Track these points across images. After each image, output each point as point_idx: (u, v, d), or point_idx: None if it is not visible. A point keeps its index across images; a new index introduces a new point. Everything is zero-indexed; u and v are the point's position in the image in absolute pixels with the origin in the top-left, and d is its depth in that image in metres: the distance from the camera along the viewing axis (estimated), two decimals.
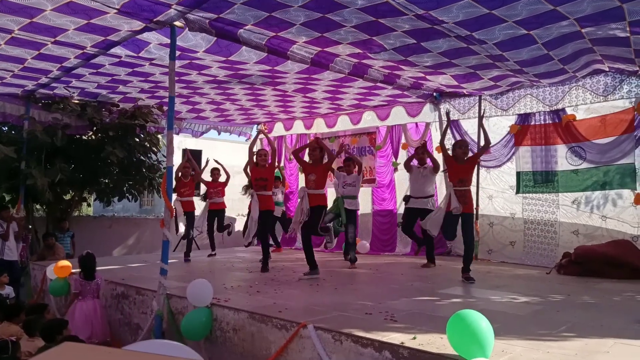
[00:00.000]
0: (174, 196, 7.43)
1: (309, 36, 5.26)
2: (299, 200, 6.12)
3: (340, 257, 7.69)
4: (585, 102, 6.85)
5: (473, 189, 6.76)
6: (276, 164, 7.65)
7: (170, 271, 4.88)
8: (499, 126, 7.79)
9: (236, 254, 8.63)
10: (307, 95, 8.13)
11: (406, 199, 7.19)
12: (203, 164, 8.62)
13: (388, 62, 6.19)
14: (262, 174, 6.56)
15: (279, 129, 10.88)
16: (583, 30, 4.77)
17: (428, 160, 6.97)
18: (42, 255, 8.08)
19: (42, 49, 5.54)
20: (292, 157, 10.57)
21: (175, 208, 6.08)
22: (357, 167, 7.12)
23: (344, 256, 7.42)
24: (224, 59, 5.85)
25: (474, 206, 6.09)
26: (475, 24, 4.67)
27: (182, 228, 7.79)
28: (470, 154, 6.07)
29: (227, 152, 17.20)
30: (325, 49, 5.68)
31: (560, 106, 7.08)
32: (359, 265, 6.83)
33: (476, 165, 7.55)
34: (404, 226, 7.19)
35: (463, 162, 5.77)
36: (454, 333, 2.73)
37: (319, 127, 10.17)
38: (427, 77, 6.91)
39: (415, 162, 7.09)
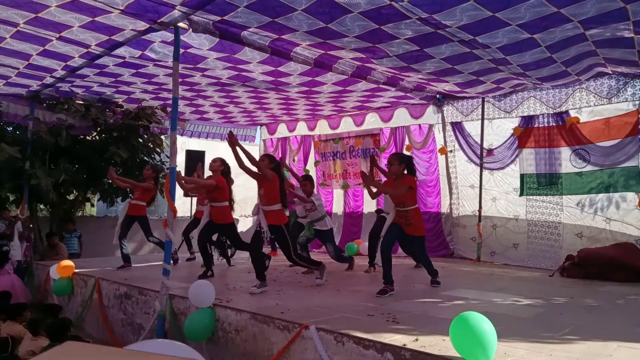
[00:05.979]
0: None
1: (312, 40, 5.26)
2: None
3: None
4: (589, 105, 6.82)
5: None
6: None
7: (173, 272, 4.89)
8: (502, 128, 7.78)
9: (238, 254, 8.62)
10: (310, 97, 8.14)
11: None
12: (207, 166, 8.56)
13: (390, 70, 6.23)
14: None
15: (282, 130, 10.89)
16: (587, 33, 4.75)
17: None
18: (45, 254, 8.12)
19: (46, 45, 5.55)
20: (296, 158, 10.59)
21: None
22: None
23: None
24: (227, 55, 5.84)
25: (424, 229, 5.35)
26: (479, 27, 4.66)
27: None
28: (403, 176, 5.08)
29: (229, 153, 17.23)
30: (328, 52, 5.69)
31: (563, 108, 7.06)
32: (361, 267, 6.82)
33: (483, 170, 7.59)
34: None
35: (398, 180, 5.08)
36: (456, 335, 2.73)
37: (323, 128, 10.18)
38: (431, 82, 6.99)
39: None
